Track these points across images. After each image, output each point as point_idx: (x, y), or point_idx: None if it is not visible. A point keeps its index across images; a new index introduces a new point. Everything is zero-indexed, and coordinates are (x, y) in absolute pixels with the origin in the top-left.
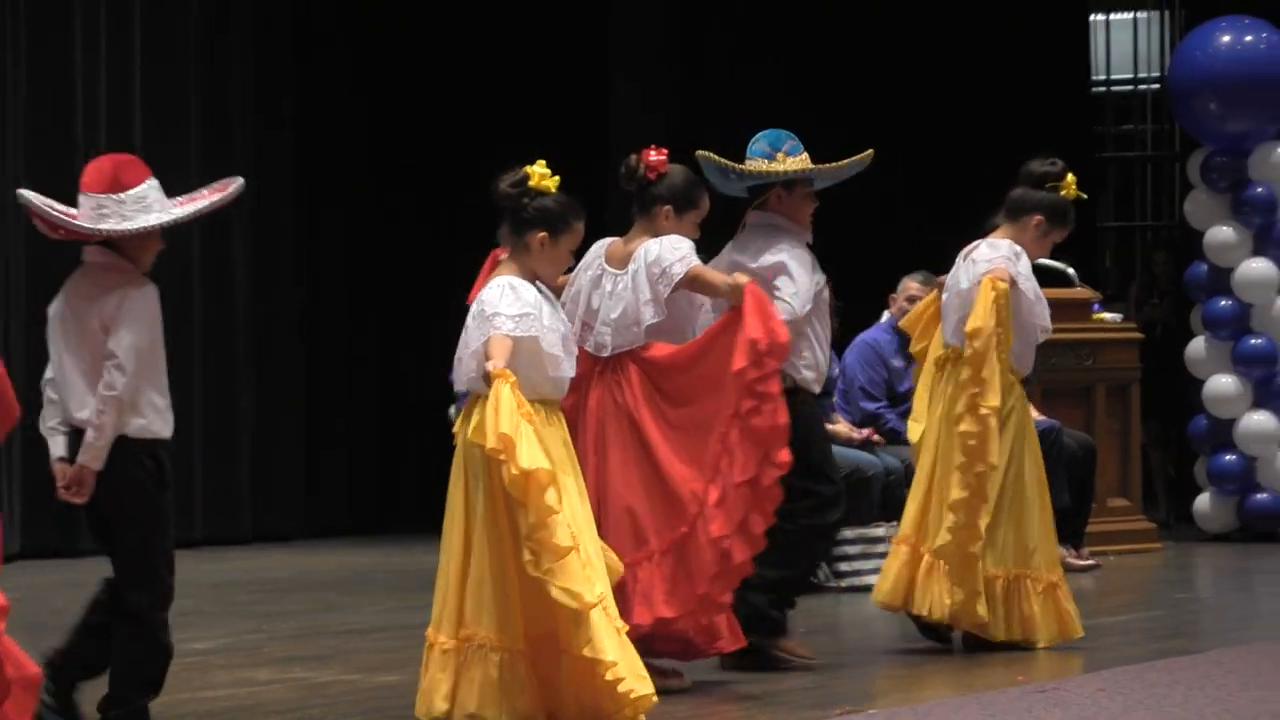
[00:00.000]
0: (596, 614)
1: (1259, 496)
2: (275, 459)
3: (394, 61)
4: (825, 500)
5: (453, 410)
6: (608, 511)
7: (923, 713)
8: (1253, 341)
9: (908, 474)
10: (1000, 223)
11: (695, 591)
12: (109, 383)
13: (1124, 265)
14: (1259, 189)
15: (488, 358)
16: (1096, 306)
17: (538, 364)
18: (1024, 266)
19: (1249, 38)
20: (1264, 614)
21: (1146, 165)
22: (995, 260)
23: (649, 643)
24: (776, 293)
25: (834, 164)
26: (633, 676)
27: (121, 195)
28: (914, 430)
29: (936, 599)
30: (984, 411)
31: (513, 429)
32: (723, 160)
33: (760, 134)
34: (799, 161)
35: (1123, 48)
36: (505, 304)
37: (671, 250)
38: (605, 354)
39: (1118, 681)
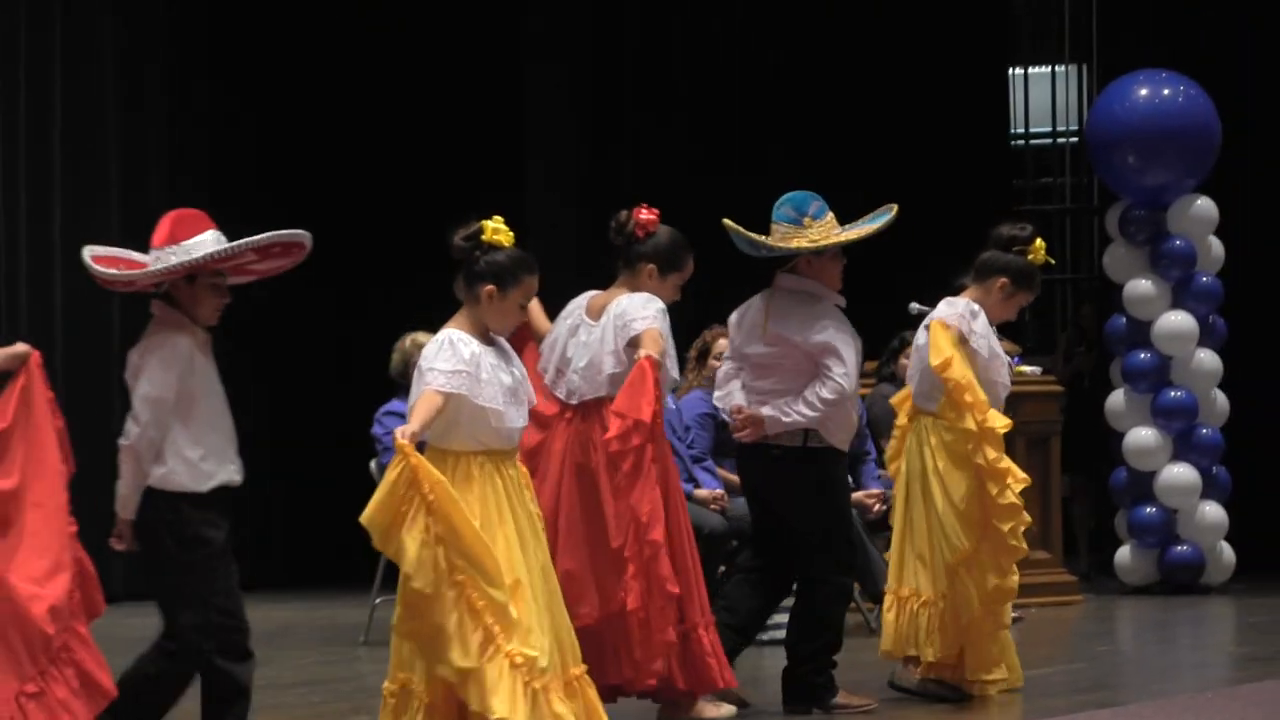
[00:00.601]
0: (493, 670)
1: (1179, 549)
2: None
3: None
4: (843, 559)
5: (374, 465)
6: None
7: None
8: (1173, 394)
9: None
10: (968, 283)
11: (629, 661)
12: (124, 433)
13: (1044, 318)
14: (1177, 242)
15: (412, 417)
16: (1016, 360)
17: (478, 416)
18: (979, 325)
19: (1166, 91)
20: (1185, 666)
21: (1065, 218)
22: (948, 315)
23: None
24: (827, 373)
25: (862, 229)
26: None
27: (174, 247)
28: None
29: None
30: (1010, 485)
31: (385, 515)
32: (750, 234)
33: (784, 198)
34: (826, 225)
35: (1041, 101)
36: (440, 359)
37: (640, 308)
38: (574, 400)
39: None
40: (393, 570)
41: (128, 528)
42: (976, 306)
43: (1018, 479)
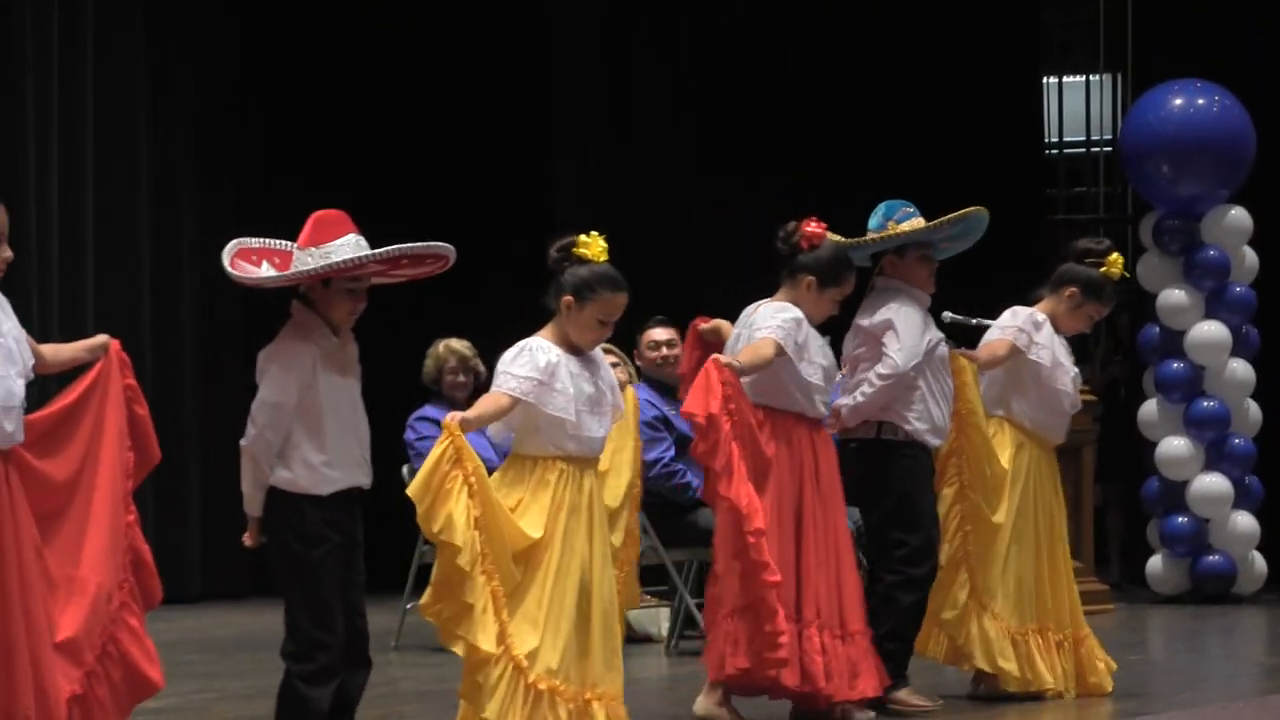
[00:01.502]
0: (497, 670)
1: (1211, 558)
2: (224, 517)
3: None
4: (914, 551)
5: (405, 471)
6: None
7: None
8: (1205, 404)
9: None
10: (1044, 294)
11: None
12: (245, 435)
13: None
14: (1211, 252)
15: (473, 409)
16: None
17: (555, 424)
18: (1042, 335)
19: (1201, 101)
20: (1215, 676)
21: (1099, 228)
22: (1007, 328)
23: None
24: (884, 350)
25: (932, 222)
26: None
27: (314, 250)
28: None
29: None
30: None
31: (430, 491)
32: (844, 240)
33: (880, 204)
34: (910, 225)
35: (1075, 110)
36: (515, 364)
37: (768, 317)
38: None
39: None
40: (423, 577)
41: (255, 525)
42: (1041, 316)
43: None
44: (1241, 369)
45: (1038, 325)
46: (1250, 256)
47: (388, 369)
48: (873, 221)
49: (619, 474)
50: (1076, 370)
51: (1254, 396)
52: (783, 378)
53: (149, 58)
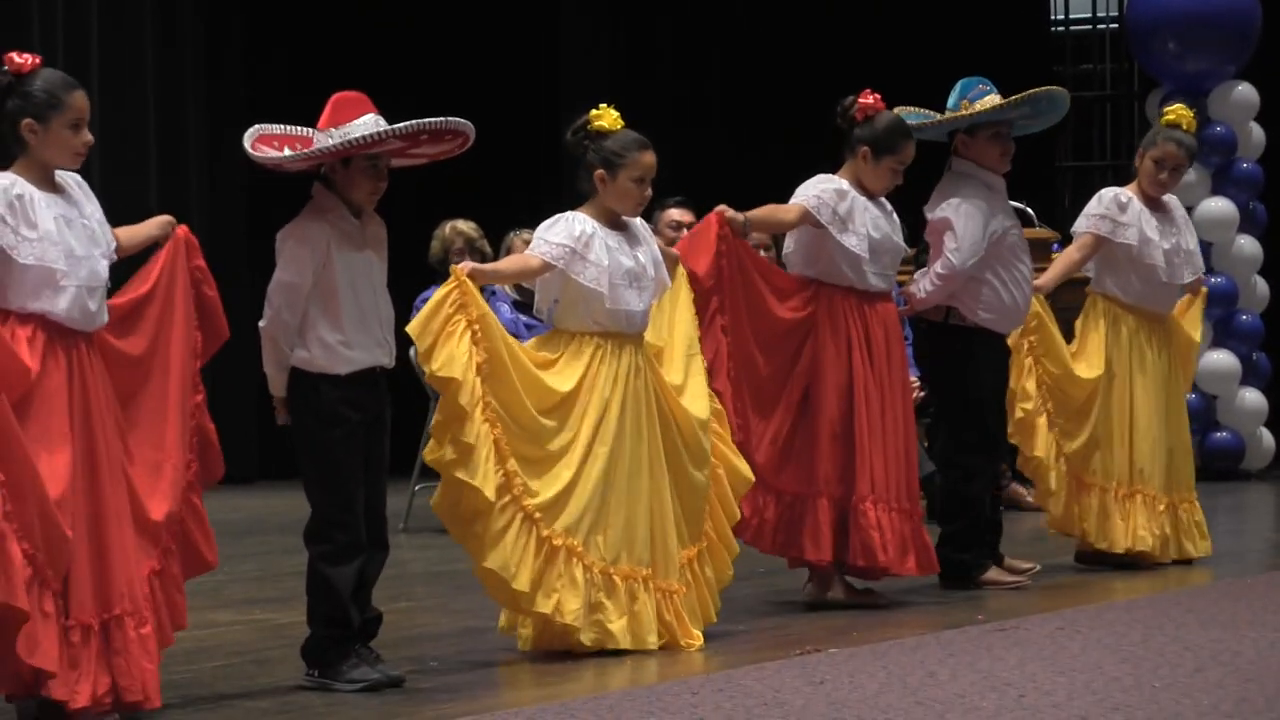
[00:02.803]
0: (499, 520)
1: (1219, 435)
2: (231, 401)
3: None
4: (966, 445)
5: (412, 353)
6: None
7: (882, 651)
8: (1213, 280)
9: None
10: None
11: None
12: (262, 316)
13: (1082, 205)
14: (1218, 128)
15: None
16: (1055, 246)
17: (591, 297)
18: (1128, 215)
19: None
20: (1224, 554)
21: (1105, 105)
22: (1090, 216)
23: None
24: (944, 248)
25: (1003, 100)
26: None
27: (333, 130)
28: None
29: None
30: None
31: (430, 332)
32: (917, 110)
33: (958, 82)
34: (982, 104)
35: None
36: (551, 231)
37: (813, 185)
38: None
39: (1077, 621)
40: None
41: (281, 405)
42: (1126, 196)
43: None
44: (1249, 245)
45: (1122, 206)
46: (1257, 132)
47: (394, 251)
48: (950, 100)
49: (676, 350)
50: (1177, 241)
51: (1261, 273)
52: (828, 248)
53: None
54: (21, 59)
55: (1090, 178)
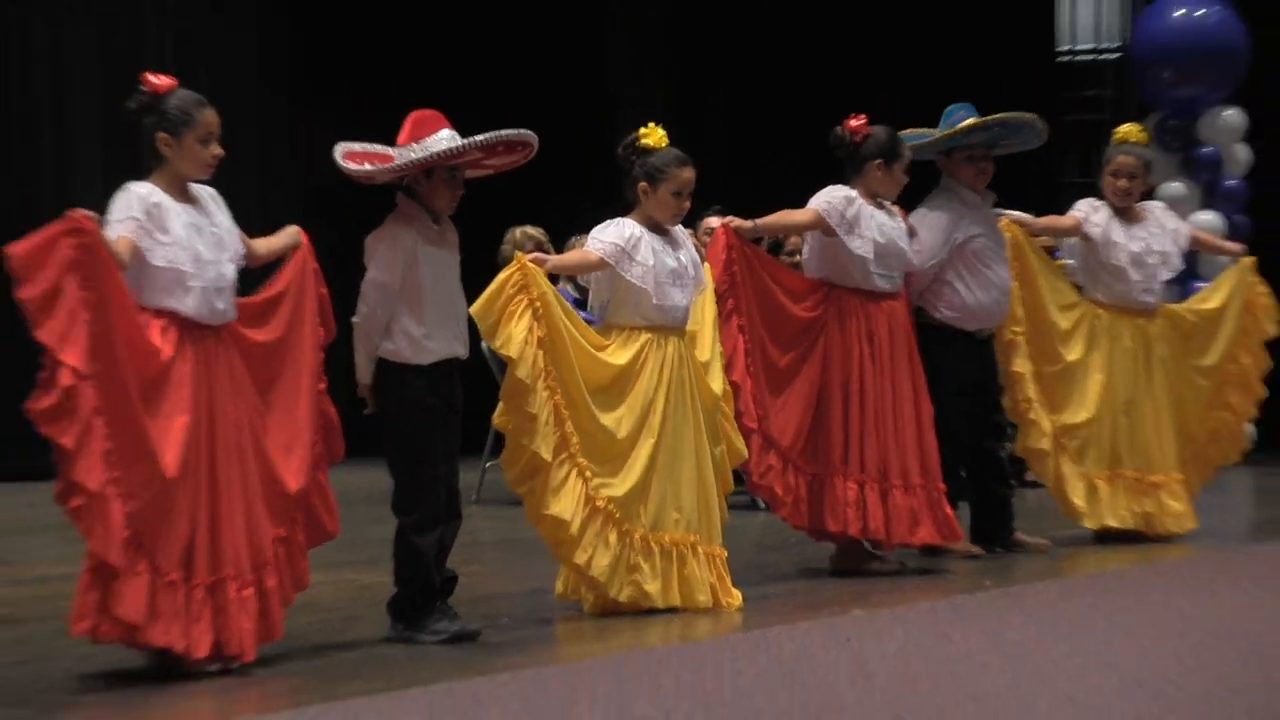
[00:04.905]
0: (560, 473)
1: None
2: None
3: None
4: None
5: (484, 346)
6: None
7: (900, 614)
8: (1199, 286)
9: None
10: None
11: None
12: (356, 312)
13: None
14: (1207, 149)
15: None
16: (1057, 254)
17: (639, 294)
18: (1098, 216)
19: (1200, 11)
20: (1206, 531)
21: (1106, 127)
22: (1077, 209)
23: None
24: (909, 249)
25: (955, 128)
26: (579, 538)
27: (414, 145)
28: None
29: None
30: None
31: (493, 312)
32: (915, 132)
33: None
34: (951, 130)
35: (1085, 20)
36: (604, 232)
37: (826, 191)
38: None
39: (1074, 588)
40: (501, 438)
41: (368, 392)
42: (1099, 203)
43: None
44: None
45: (1095, 209)
46: (1243, 153)
47: (468, 252)
48: (940, 125)
49: (705, 333)
50: (1148, 243)
51: None
52: (836, 252)
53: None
54: (158, 80)
55: (1092, 193)
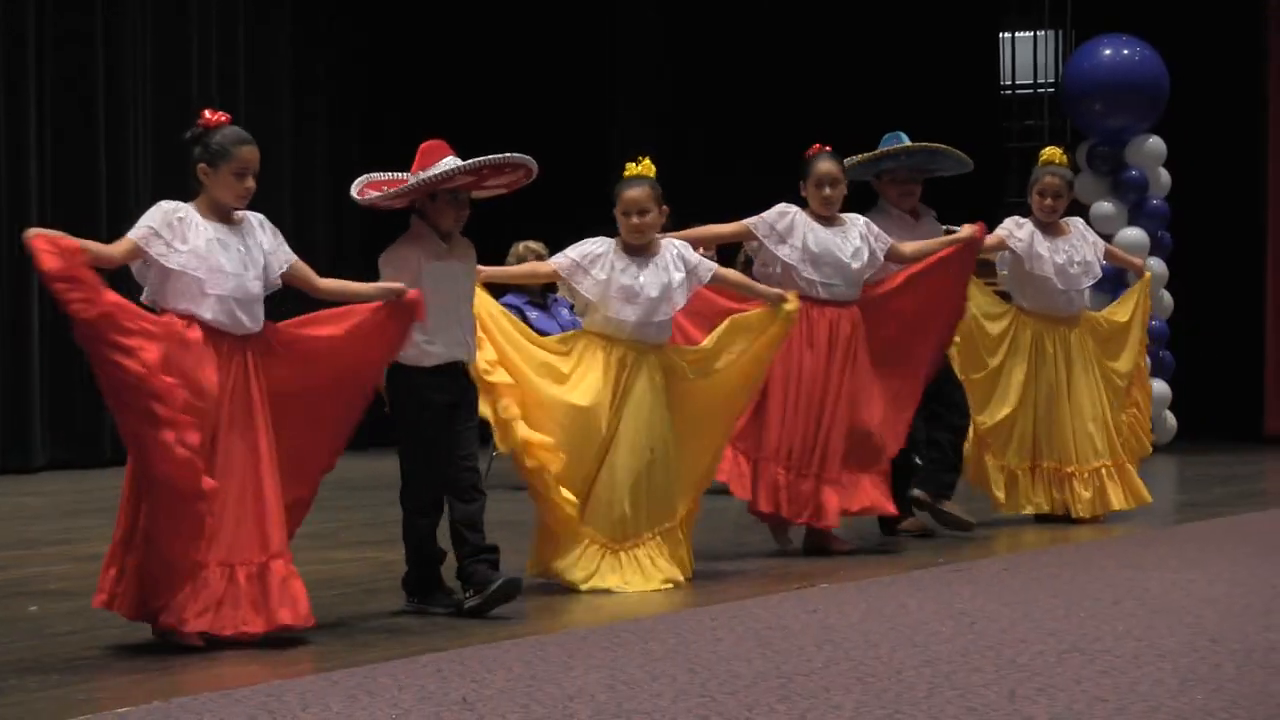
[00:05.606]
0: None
1: None
2: None
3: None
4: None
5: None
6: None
7: (863, 586)
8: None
9: None
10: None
11: None
12: None
13: None
14: (1133, 172)
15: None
16: (1001, 267)
17: (592, 305)
18: (1022, 232)
19: (1126, 51)
20: (1136, 511)
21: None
22: (1002, 228)
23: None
24: None
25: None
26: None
27: (422, 173)
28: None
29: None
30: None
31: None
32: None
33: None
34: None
35: (1025, 59)
36: (572, 248)
37: (767, 210)
38: None
39: (1018, 563)
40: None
41: (383, 391)
42: (1024, 220)
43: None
44: (1158, 266)
45: (1019, 225)
46: (1165, 176)
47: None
48: (880, 148)
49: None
50: (1069, 255)
51: (1167, 288)
52: (775, 261)
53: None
54: (213, 116)
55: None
